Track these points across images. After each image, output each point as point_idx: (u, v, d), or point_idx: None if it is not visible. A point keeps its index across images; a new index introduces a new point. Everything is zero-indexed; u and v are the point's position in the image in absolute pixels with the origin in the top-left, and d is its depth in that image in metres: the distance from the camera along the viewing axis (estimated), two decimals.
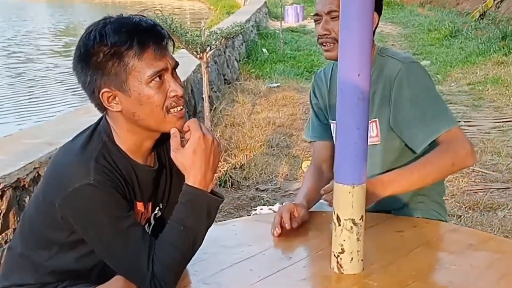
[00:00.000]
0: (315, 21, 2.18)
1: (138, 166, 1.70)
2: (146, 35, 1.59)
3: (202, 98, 5.22)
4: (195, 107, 6.13)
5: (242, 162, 5.28)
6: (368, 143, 2.13)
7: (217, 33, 5.05)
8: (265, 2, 18.94)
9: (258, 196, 4.75)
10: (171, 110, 1.63)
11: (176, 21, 4.92)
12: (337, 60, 2.09)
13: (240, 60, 10.13)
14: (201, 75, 5.20)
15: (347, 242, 1.71)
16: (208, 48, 5.04)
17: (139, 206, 1.73)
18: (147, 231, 1.78)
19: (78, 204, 1.58)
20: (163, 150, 1.80)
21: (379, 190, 1.93)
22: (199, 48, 4.83)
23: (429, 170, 1.97)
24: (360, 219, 1.72)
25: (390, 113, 2.10)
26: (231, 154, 5.45)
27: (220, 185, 4.91)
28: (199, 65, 5.91)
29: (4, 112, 9.09)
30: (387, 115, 2.12)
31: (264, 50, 11.52)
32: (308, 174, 2.39)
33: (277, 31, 13.42)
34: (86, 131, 1.71)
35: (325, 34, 2.12)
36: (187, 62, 6.37)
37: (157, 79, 1.60)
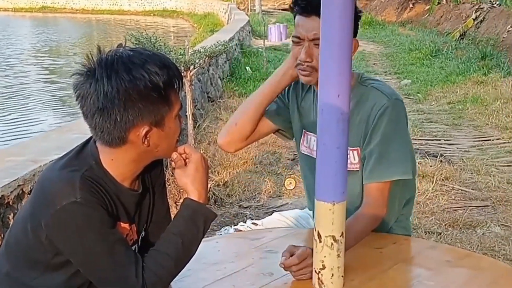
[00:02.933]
0: (294, 42, 2.17)
1: (123, 190, 1.74)
2: (178, 72, 1.70)
3: (186, 115, 5.25)
4: None
5: (226, 179, 5.31)
6: (349, 169, 2.19)
7: (200, 51, 5.10)
8: (249, 21, 19.04)
9: (241, 213, 4.77)
10: (177, 139, 1.77)
11: (160, 39, 4.96)
12: (314, 84, 2.16)
13: (223, 78, 10.18)
14: (185, 93, 5.24)
15: (327, 258, 1.75)
16: (192, 67, 5.08)
17: (122, 228, 1.76)
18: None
19: (65, 222, 1.60)
20: (147, 175, 1.85)
21: None
22: (183, 66, 4.87)
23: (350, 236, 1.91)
24: (340, 236, 1.77)
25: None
26: (215, 171, 5.48)
27: None
28: (183, 83, 5.95)
29: None
30: None
31: (247, 68, 11.59)
32: None
33: (260, 50, 13.52)
34: (71, 151, 1.74)
35: (307, 61, 2.11)
36: None
37: (178, 113, 1.73)
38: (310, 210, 2.46)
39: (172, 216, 1.85)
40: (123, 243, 1.68)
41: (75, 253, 1.65)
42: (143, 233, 1.88)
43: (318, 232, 1.77)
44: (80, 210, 1.59)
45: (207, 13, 30.00)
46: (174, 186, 4.98)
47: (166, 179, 2.04)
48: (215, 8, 29.52)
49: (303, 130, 2.34)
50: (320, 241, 1.76)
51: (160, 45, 4.82)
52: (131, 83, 1.59)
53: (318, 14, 1.85)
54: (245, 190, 5.23)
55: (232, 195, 5.13)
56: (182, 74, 5.05)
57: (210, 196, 4.99)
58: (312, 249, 1.82)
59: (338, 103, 1.71)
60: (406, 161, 2.12)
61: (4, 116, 10.02)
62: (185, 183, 1.76)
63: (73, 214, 1.59)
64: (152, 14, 39.19)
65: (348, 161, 2.14)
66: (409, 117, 7.94)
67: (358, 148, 2.17)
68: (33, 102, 11.26)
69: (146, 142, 1.66)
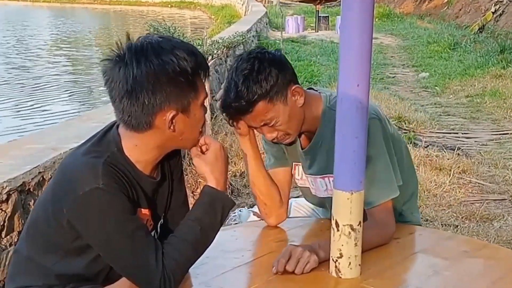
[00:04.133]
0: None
1: (143, 177, 1.76)
2: (205, 60, 1.74)
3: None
4: None
5: (242, 170, 5.32)
6: (324, 195, 2.20)
7: (218, 42, 5.12)
8: (266, 13, 19.02)
9: None
10: (201, 129, 1.79)
11: (179, 30, 4.98)
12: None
13: None
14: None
15: (345, 247, 1.77)
16: (209, 57, 5.09)
17: (144, 212, 1.79)
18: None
19: (87, 207, 1.63)
20: (166, 163, 1.88)
21: (317, 252, 1.87)
22: None
23: None
24: (358, 225, 1.78)
25: None
26: (232, 162, 5.49)
27: None
28: (209, 72, 5.95)
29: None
30: None
31: None
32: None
33: (278, 41, 13.52)
34: (93, 138, 1.77)
35: (275, 137, 2.10)
36: None
37: (204, 102, 1.75)
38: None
39: (190, 206, 1.88)
40: (143, 229, 1.71)
41: (96, 238, 1.68)
42: (161, 220, 1.91)
43: (336, 221, 1.78)
44: (103, 196, 1.62)
45: (224, 5, 30.00)
46: (191, 176, 5.01)
47: (183, 168, 2.06)
48: (232, 0, 29.50)
49: (293, 163, 2.32)
50: (338, 230, 1.77)
51: (178, 35, 4.84)
52: (160, 67, 1.62)
53: (250, 108, 1.96)
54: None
55: (248, 186, 5.11)
56: None
57: (227, 186, 5.01)
58: (293, 245, 1.86)
59: (357, 93, 1.72)
60: (387, 181, 2.08)
61: (38, 107, 10.03)
62: (205, 171, 1.80)
63: (95, 200, 1.62)
64: (169, 5, 39.25)
65: (329, 187, 2.15)
66: (427, 110, 8.01)
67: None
68: (65, 94, 11.29)
69: (172, 127, 1.69)
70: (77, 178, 1.65)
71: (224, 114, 2.07)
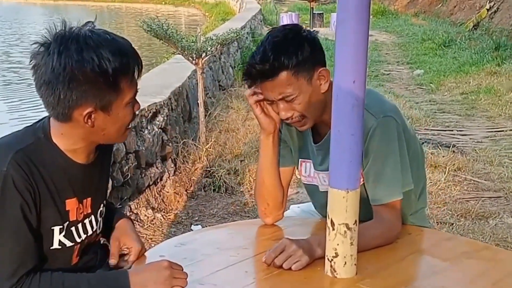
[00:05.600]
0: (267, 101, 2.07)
1: (72, 163, 1.74)
2: (136, 61, 1.69)
3: (197, 103, 5.23)
4: (190, 112, 6.14)
5: (236, 168, 5.29)
6: None
7: (212, 39, 5.07)
8: (260, 10, 18.97)
9: (252, 201, 4.76)
10: (128, 125, 1.77)
11: (172, 26, 4.93)
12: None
13: (235, 67, 10.15)
14: (197, 80, 5.22)
15: (340, 246, 1.73)
16: (203, 54, 5.05)
17: (70, 203, 1.76)
18: (94, 227, 1.86)
19: None
20: (100, 150, 1.86)
21: (315, 249, 1.85)
22: (195, 54, 4.85)
23: (359, 241, 1.82)
24: (354, 224, 1.74)
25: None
26: (225, 159, 5.46)
27: (214, 190, 4.93)
28: (195, 71, 5.92)
29: None
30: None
31: None
32: None
33: None
34: (21, 130, 1.75)
35: (290, 117, 2.02)
36: (182, 68, 6.40)
37: (132, 101, 1.72)
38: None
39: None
40: (20, 238, 1.63)
41: None
42: (103, 208, 1.92)
43: (331, 219, 1.75)
44: (1, 182, 1.59)
45: (218, 2, 29.91)
46: (185, 174, 4.98)
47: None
48: None
49: (300, 159, 2.27)
50: (333, 229, 1.74)
51: (172, 32, 4.79)
52: (78, 64, 1.59)
53: (273, 75, 1.93)
54: (255, 178, 5.19)
55: (243, 184, 5.11)
56: (194, 61, 5.05)
57: (221, 184, 4.98)
58: (289, 239, 1.83)
59: (354, 89, 1.69)
60: (396, 180, 2.04)
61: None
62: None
63: None
64: (163, 2, 39.15)
65: None
66: (422, 107, 8.00)
67: None
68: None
69: (89, 123, 1.66)
70: None
71: (245, 78, 2.03)
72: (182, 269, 1.70)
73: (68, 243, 1.78)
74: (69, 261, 1.81)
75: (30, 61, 1.64)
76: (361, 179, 2.01)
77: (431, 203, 4.64)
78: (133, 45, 1.72)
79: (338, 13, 1.71)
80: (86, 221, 1.84)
